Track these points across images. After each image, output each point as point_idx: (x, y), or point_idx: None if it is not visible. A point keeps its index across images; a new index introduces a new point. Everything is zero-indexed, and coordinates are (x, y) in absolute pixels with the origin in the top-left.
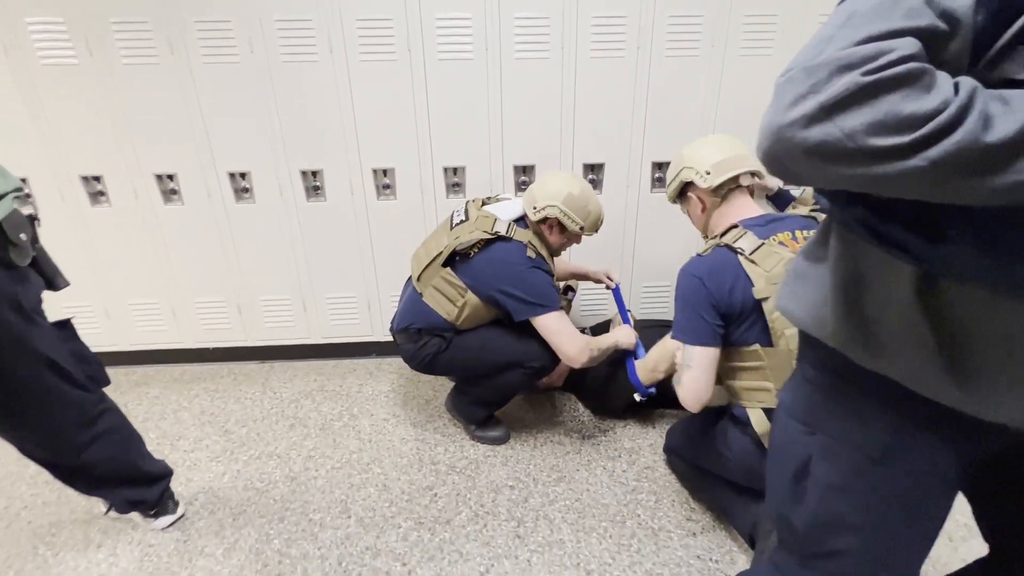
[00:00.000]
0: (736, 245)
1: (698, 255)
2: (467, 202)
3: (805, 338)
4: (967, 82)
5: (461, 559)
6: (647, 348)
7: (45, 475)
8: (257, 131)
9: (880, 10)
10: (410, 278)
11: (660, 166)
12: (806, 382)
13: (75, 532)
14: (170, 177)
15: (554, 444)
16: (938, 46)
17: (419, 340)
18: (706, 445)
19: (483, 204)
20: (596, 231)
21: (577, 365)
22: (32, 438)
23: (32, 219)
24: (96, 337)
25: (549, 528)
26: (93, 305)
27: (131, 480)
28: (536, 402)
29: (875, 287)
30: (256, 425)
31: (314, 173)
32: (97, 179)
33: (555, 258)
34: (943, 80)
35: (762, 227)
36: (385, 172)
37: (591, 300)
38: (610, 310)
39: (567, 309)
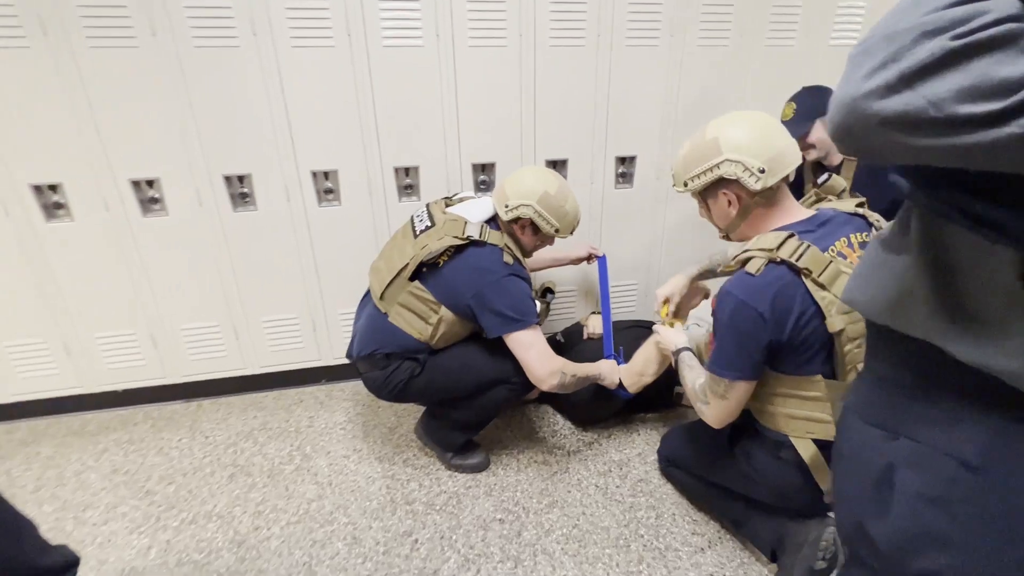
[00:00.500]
0: (801, 265)
1: (745, 272)
2: (428, 205)
3: (880, 333)
4: None
5: None
6: (622, 347)
7: None
8: (165, 130)
9: None
10: (368, 295)
11: (623, 160)
12: (881, 382)
13: None
14: (53, 188)
15: (539, 464)
16: None
17: (388, 366)
18: (720, 462)
19: (447, 205)
20: (571, 233)
21: (544, 387)
22: None
23: None
24: None
25: (550, 564)
26: None
27: None
28: (511, 418)
29: (972, 275)
30: (186, 480)
31: (240, 178)
32: None
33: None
34: None
35: (816, 234)
36: (327, 175)
37: (561, 303)
38: (585, 315)
39: (544, 314)
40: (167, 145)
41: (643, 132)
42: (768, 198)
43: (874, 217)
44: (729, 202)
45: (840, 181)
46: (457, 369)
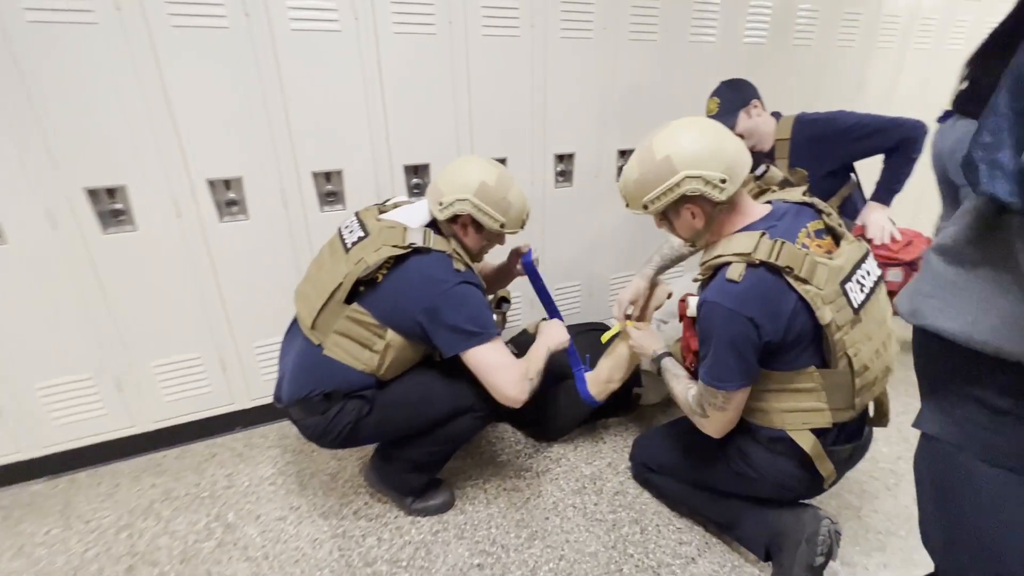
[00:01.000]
0: (781, 264)
1: (727, 279)
2: (357, 213)
3: (983, 359)
4: None
5: None
6: (581, 352)
7: None
8: None
9: None
10: (295, 326)
11: (562, 158)
12: (987, 411)
13: None
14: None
15: (509, 492)
16: None
17: (329, 409)
18: (710, 464)
19: (380, 212)
20: (522, 227)
21: (517, 405)
22: None
23: None
24: None
25: None
26: None
27: None
28: (467, 444)
29: None
30: None
31: (111, 192)
32: None
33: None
34: None
35: (779, 229)
36: (228, 184)
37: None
38: (533, 323)
39: (500, 325)
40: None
41: (580, 129)
42: (731, 203)
43: (822, 205)
44: (693, 215)
45: (777, 172)
46: (414, 402)
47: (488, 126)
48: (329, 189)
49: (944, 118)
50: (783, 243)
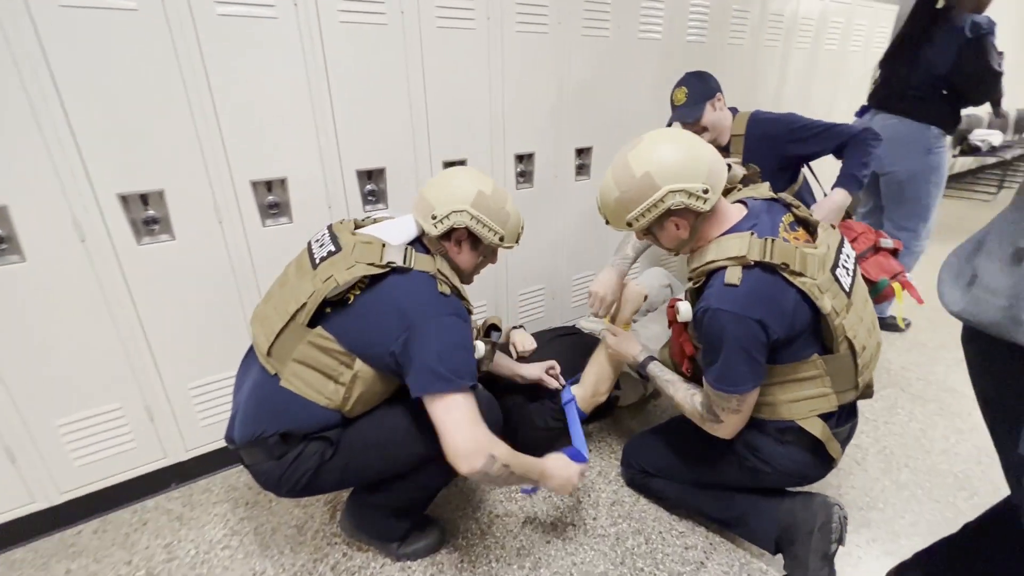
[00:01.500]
0: (776, 261)
1: (725, 284)
2: (330, 226)
3: None
4: None
5: None
6: (555, 358)
7: None
8: None
9: None
10: (251, 353)
11: (522, 158)
12: None
13: None
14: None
15: (502, 518)
16: None
17: (286, 453)
18: (716, 463)
19: (356, 227)
20: (517, 242)
21: (462, 470)
22: None
23: None
24: None
25: None
26: None
27: None
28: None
29: None
30: None
31: None
32: None
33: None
34: None
35: (761, 227)
36: (145, 199)
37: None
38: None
39: (489, 356)
40: None
41: (539, 128)
42: (712, 209)
43: (788, 198)
44: (678, 227)
45: (740, 169)
46: (385, 442)
47: (445, 125)
48: (272, 200)
49: (861, 113)
50: (773, 240)
